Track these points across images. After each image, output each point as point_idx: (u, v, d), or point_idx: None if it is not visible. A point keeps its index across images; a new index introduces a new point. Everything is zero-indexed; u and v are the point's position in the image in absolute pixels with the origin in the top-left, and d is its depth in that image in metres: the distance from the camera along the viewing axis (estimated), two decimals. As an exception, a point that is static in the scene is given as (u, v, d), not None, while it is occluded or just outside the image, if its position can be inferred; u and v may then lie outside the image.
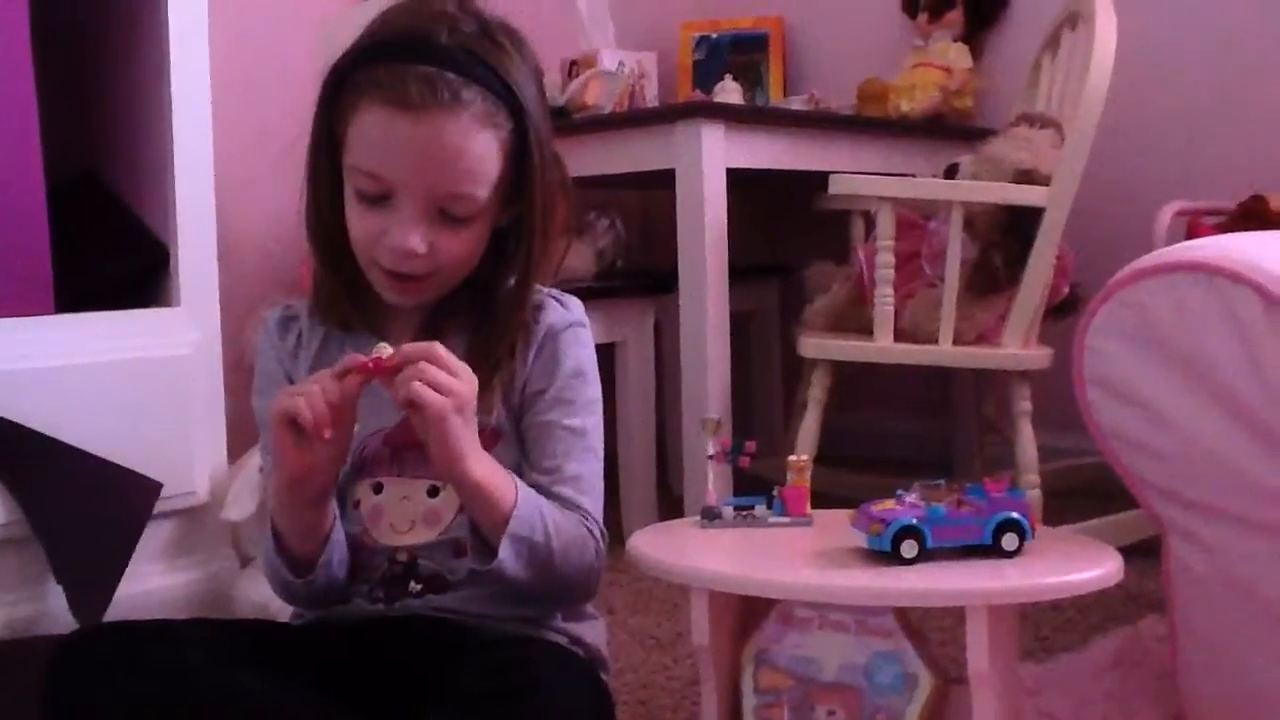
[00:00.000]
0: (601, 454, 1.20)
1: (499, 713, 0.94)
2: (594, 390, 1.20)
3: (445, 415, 1.01)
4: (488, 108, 1.08)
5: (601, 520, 1.17)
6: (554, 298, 1.21)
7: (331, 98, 1.11)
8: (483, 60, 1.08)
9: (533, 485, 1.12)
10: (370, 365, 1.02)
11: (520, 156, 1.12)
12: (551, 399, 1.16)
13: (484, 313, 1.16)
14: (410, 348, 1.03)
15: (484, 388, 1.08)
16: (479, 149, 1.08)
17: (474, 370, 1.06)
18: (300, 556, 1.11)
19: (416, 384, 1.00)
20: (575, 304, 1.22)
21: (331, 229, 1.15)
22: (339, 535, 1.13)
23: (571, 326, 1.19)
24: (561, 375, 1.17)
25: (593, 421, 1.18)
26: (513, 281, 1.16)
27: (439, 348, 1.03)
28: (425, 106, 1.05)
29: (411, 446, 1.12)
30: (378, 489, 1.16)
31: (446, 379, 1.02)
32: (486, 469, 1.07)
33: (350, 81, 1.09)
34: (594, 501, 1.17)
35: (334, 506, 1.12)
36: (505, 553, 1.06)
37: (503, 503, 1.07)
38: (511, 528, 1.06)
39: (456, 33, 1.08)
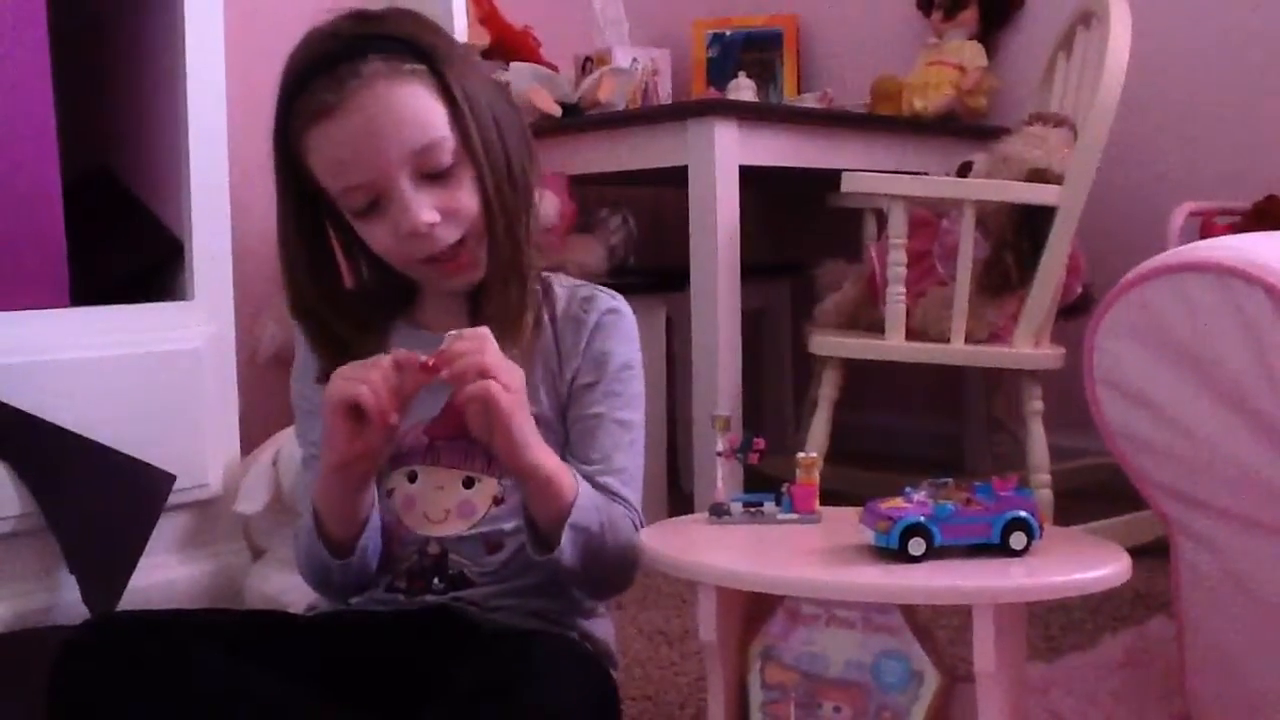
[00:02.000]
0: (643, 447, 1.21)
1: (497, 705, 0.95)
2: (639, 385, 1.22)
3: (514, 410, 1.03)
4: (390, 65, 1.09)
5: (641, 511, 1.19)
6: (603, 292, 1.23)
7: (284, 155, 1.13)
8: (363, 35, 1.11)
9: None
10: (431, 364, 1.03)
11: (447, 90, 1.12)
12: (602, 392, 1.18)
13: (495, 291, 1.15)
14: (466, 339, 1.04)
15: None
16: (408, 98, 1.09)
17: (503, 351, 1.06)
18: (339, 540, 1.12)
19: (492, 384, 1.01)
20: (622, 301, 1.24)
21: (314, 303, 1.16)
22: (376, 522, 1.14)
23: (620, 322, 1.21)
24: (612, 368, 1.19)
25: (639, 416, 1.21)
26: (498, 234, 1.15)
27: (488, 336, 1.04)
28: (341, 100, 1.07)
29: (450, 438, 1.13)
30: (412, 478, 1.17)
31: (507, 372, 1.03)
32: (552, 460, 1.08)
33: (287, 131, 1.11)
34: (636, 494, 1.19)
35: (374, 492, 1.13)
36: (566, 541, 1.08)
37: (566, 493, 1.08)
38: (573, 518, 1.08)
39: (338, 35, 1.11)
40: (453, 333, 1.05)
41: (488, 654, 1.03)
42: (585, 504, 1.09)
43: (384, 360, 1.05)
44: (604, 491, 1.15)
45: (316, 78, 1.09)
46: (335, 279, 1.18)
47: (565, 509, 1.08)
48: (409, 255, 1.13)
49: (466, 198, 1.12)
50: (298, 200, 1.15)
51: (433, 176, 1.11)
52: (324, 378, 1.16)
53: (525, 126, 1.20)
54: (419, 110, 1.10)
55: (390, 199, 1.10)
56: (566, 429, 1.20)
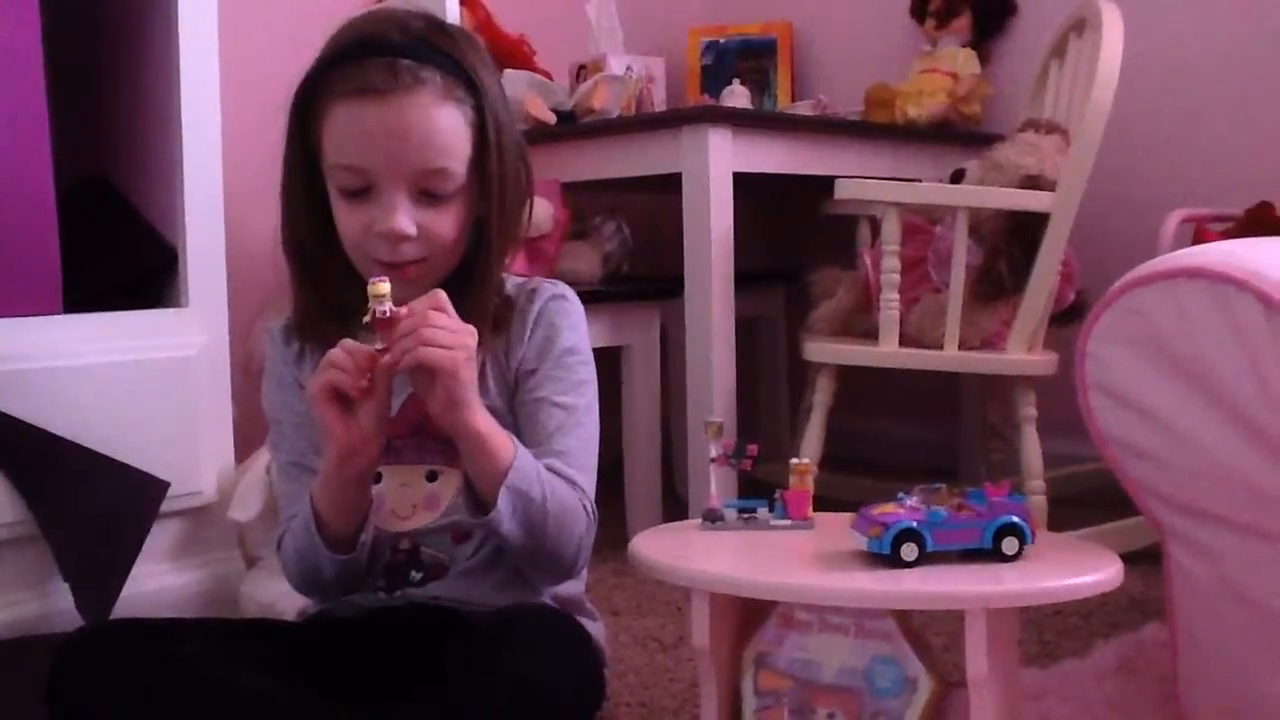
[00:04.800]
0: (594, 434, 1.22)
1: (482, 678, 0.96)
2: (586, 371, 1.23)
3: (455, 370, 1.04)
4: (447, 85, 1.13)
5: (592, 497, 1.19)
6: (549, 283, 1.25)
7: (302, 111, 1.15)
8: (436, 47, 1.13)
9: None
10: (391, 316, 1.04)
11: (482, 132, 1.15)
12: (543, 377, 1.20)
13: (460, 299, 1.16)
14: (418, 302, 1.06)
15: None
16: (446, 122, 1.13)
17: None
18: (342, 536, 1.13)
19: (424, 349, 1.03)
20: (568, 289, 1.26)
21: (308, 243, 1.18)
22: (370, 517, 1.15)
23: (565, 308, 1.23)
24: (554, 354, 1.21)
25: (584, 401, 1.21)
26: (479, 259, 1.19)
27: (442, 295, 1.06)
28: (389, 90, 1.10)
29: (408, 436, 1.15)
30: (377, 478, 1.17)
31: (453, 326, 1.05)
32: (488, 421, 1.09)
33: (316, 91, 1.13)
34: (583, 476, 1.18)
35: (371, 486, 1.14)
36: (503, 503, 1.08)
37: (502, 455, 1.09)
38: (510, 479, 1.09)
39: (408, 29, 1.14)
40: (382, 310, 1.05)
41: (473, 631, 1.04)
42: (524, 469, 1.10)
43: (346, 342, 1.07)
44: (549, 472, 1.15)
45: (375, 58, 1.11)
46: (329, 227, 1.18)
47: (501, 471, 1.08)
48: (368, 250, 1.15)
49: (445, 226, 1.15)
50: (302, 154, 1.17)
51: (427, 195, 1.14)
52: (300, 329, 1.21)
53: (528, 155, 1.22)
54: (450, 138, 1.13)
55: (379, 196, 1.13)
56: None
